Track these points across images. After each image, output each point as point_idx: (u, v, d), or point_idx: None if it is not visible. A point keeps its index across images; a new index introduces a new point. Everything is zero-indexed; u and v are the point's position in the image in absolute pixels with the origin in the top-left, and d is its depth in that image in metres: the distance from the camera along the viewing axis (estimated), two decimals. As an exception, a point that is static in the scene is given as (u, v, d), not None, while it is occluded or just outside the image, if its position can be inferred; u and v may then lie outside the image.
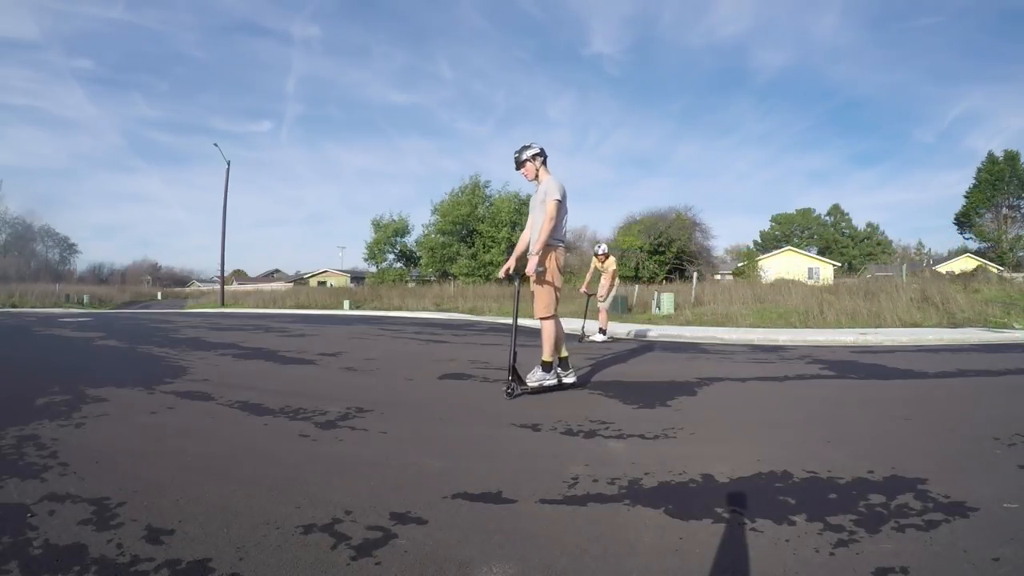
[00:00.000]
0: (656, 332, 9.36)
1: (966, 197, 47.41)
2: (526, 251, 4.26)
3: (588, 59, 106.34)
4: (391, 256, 38.50)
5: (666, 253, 33.67)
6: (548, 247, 4.02)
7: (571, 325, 11.10)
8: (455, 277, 31.31)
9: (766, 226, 68.80)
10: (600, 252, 8.88)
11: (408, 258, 38.48)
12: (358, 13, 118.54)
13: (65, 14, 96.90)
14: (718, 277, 34.19)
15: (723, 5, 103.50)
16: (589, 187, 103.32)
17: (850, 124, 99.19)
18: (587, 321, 8.87)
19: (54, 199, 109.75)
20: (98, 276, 65.20)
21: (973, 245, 47.32)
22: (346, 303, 23.28)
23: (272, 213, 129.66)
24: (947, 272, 23.25)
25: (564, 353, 4.26)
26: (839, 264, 46.05)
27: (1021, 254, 42.93)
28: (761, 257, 42.86)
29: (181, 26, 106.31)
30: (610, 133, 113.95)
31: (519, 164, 4.17)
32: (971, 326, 8.74)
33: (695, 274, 18.08)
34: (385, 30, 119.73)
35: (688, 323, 10.42)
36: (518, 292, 4.22)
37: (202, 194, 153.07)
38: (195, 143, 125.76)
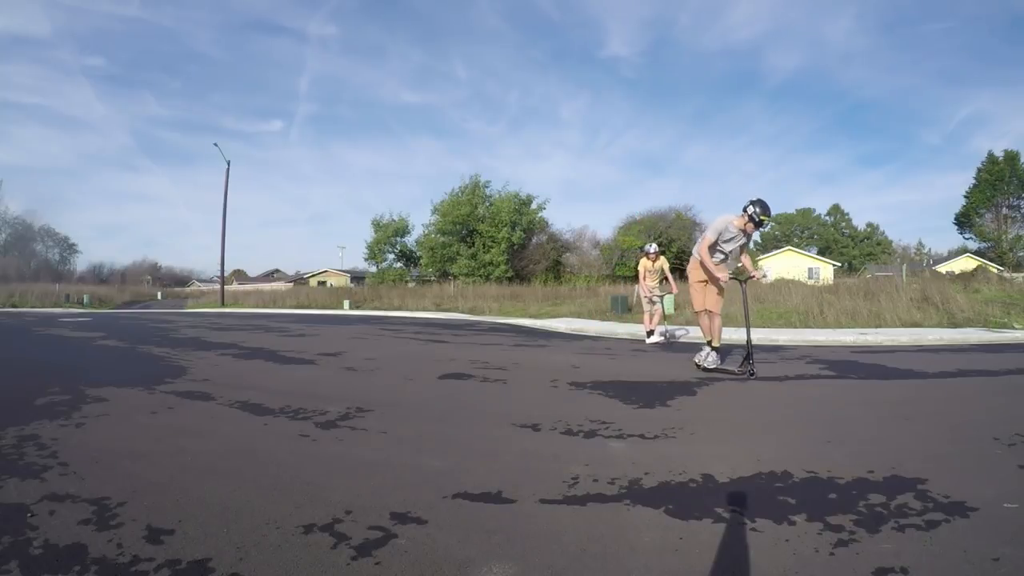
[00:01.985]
0: (656, 332, 9.34)
1: (966, 197, 47.41)
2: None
3: (603, 61, 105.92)
4: (391, 256, 38.48)
5: (666, 253, 33.64)
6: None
7: (575, 325, 11.10)
8: (455, 277, 31.29)
9: (766, 226, 68.81)
10: (652, 251, 8.50)
11: (408, 258, 38.45)
12: (377, 12, 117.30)
13: (79, 11, 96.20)
14: (718, 277, 34.17)
15: (738, 10, 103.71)
16: (595, 187, 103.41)
17: (858, 126, 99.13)
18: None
19: (57, 199, 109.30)
20: (98, 276, 65.03)
21: (973, 245, 47.33)
22: (346, 303, 23.27)
23: (277, 213, 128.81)
24: (947, 272, 23.21)
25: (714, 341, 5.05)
26: (839, 264, 46.01)
27: (1021, 254, 42.91)
28: (761, 257, 42.83)
29: (196, 24, 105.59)
30: (621, 134, 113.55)
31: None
32: (971, 326, 8.74)
33: (695, 274, 18.02)
34: (403, 29, 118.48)
35: (688, 323, 10.41)
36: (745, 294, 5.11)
37: (207, 194, 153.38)
38: (203, 142, 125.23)
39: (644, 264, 8.47)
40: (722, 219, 4.91)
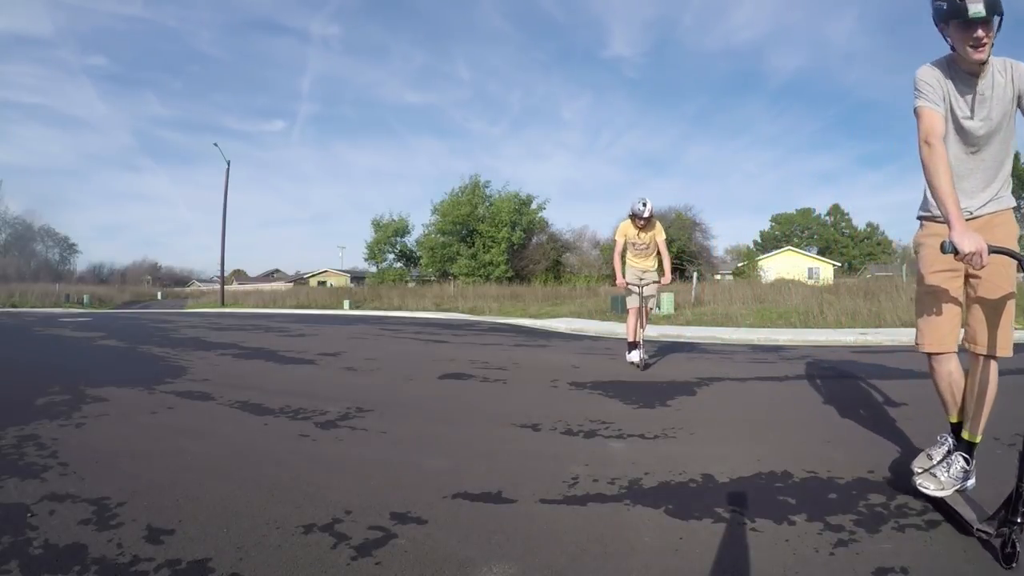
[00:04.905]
0: (656, 332, 9.33)
1: (966, 197, 47.38)
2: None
3: (606, 61, 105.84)
4: (391, 256, 38.50)
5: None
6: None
7: (575, 325, 11.10)
8: (455, 277, 31.29)
9: (766, 226, 68.73)
10: (645, 214, 5.03)
11: (408, 258, 38.46)
12: (380, 12, 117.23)
13: (80, 10, 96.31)
14: (718, 277, 34.16)
15: (741, 11, 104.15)
16: (596, 187, 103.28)
17: (859, 126, 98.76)
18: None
19: (57, 199, 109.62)
20: (98, 276, 64.99)
21: (973, 245, 47.21)
22: (346, 303, 23.27)
23: (277, 213, 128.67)
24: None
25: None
26: (839, 264, 46.05)
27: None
28: (761, 257, 42.83)
29: (198, 23, 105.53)
30: (622, 134, 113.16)
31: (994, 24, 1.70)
32: (971, 326, 8.72)
33: (695, 274, 18.04)
34: (406, 29, 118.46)
35: (688, 323, 10.42)
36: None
37: (207, 193, 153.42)
38: (205, 142, 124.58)
39: (625, 231, 5.19)
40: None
